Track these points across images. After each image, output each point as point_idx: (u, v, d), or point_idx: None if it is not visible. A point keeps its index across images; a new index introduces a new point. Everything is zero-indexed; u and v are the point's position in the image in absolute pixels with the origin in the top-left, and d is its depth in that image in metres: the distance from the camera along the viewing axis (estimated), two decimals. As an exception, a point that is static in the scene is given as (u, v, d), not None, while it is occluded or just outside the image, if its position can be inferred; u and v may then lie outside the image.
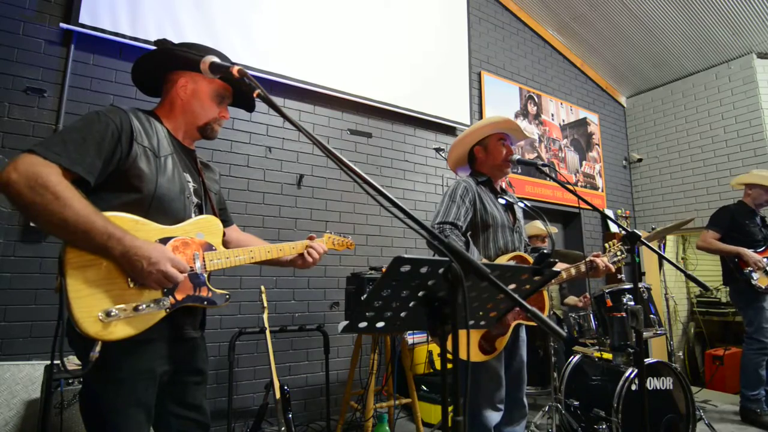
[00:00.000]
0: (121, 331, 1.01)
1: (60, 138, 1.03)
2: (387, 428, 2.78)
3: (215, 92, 1.30)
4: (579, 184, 5.47)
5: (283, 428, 2.31)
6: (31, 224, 2.44)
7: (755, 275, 3.23)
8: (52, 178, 0.96)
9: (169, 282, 1.06)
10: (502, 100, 4.88)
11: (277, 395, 2.35)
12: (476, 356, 1.72)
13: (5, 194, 0.95)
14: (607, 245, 2.03)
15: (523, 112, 5.08)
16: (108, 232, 0.98)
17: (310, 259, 1.49)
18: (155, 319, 1.07)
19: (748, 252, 3.26)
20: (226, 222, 1.41)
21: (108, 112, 1.11)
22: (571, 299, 3.72)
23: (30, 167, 0.95)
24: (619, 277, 4.38)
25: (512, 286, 1.06)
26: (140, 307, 1.04)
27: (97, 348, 0.98)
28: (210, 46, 1.30)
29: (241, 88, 1.32)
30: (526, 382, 1.96)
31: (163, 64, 1.29)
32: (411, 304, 0.91)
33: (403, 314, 0.93)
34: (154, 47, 1.27)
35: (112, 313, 0.99)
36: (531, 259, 1.87)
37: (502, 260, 1.86)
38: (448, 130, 4.36)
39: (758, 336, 3.23)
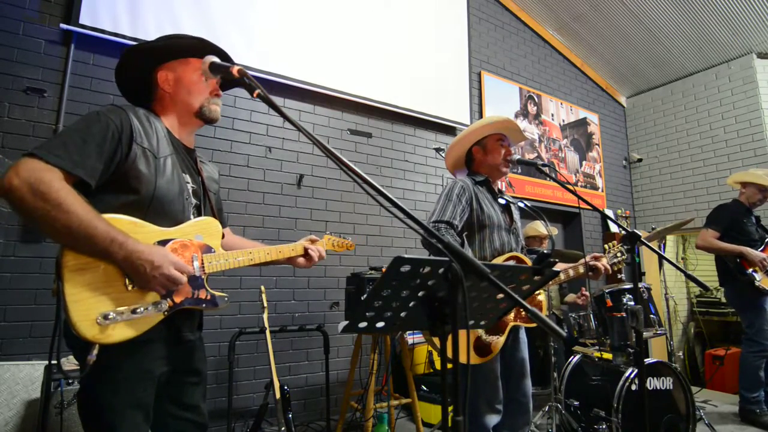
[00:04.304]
0: (118, 334, 1.00)
1: (61, 140, 1.02)
2: (387, 428, 2.78)
3: (196, 72, 1.28)
4: (579, 184, 5.47)
5: (283, 428, 2.31)
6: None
7: (758, 276, 3.15)
8: (54, 183, 0.95)
9: (173, 285, 1.06)
10: (502, 100, 4.88)
11: (277, 395, 2.35)
12: (472, 358, 1.71)
13: (7, 200, 0.94)
14: (606, 246, 2.02)
15: (523, 112, 5.08)
16: (110, 237, 0.97)
17: (314, 255, 1.49)
18: (153, 322, 1.07)
19: (752, 251, 3.17)
20: (221, 224, 1.41)
21: (108, 112, 1.10)
22: (570, 297, 3.74)
23: (32, 172, 0.94)
24: (619, 277, 4.38)
25: (512, 286, 1.06)
26: (138, 310, 1.03)
27: (95, 351, 0.98)
28: (179, 33, 1.30)
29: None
30: (530, 384, 1.91)
31: (139, 68, 1.27)
32: (411, 304, 0.91)
33: (403, 314, 0.93)
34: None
35: (110, 317, 0.99)
36: (528, 261, 1.87)
37: (499, 261, 1.86)
38: (448, 130, 4.36)
39: (758, 338, 3.18)
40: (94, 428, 1.06)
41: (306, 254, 1.50)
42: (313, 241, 1.54)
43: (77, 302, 0.96)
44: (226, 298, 1.24)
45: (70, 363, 1.92)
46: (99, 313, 0.98)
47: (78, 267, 0.98)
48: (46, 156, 0.97)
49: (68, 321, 0.95)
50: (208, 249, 1.21)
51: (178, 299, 1.12)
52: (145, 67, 1.27)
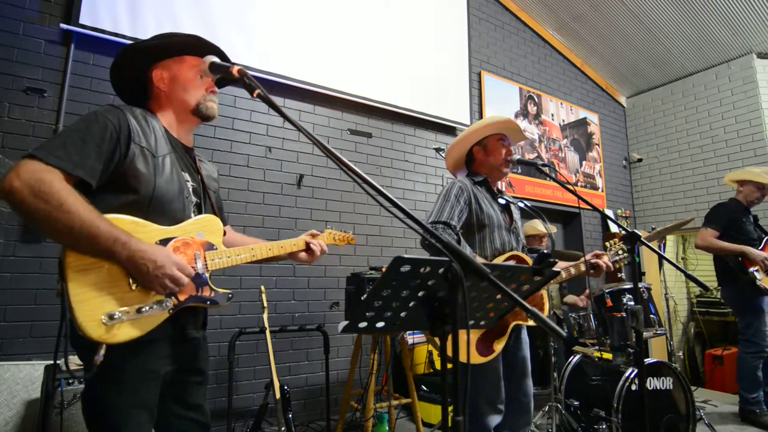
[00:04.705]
0: (124, 333, 1.00)
1: (60, 141, 1.02)
2: (387, 428, 2.78)
3: (192, 69, 1.28)
4: (579, 184, 5.47)
5: (283, 428, 2.31)
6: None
7: (759, 275, 3.12)
8: (55, 184, 0.95)
9: (175, 286, 1.06)
10: (502, 100, 4.88)
11: (277, 395, 2.35)
12: (474, 358, 1.71)
13: (8, 202, 0.94)
14: (608, 244, 2.02)
15: (523, 112, 5.08)
16: (113, 236, 0.97)
17: (316, 249, 1.49)
18: (158, 321, 1.07)
19: (754, 250, 3.14)
20: (222, 222, 1.41)
21: (106, 112, 1.10)
22: (571, 298, 3.72)
23: (32, 174, 0.94)
24: (619, 276, 4.39)
25: (512, 286, 1.06)
26: (143, 309, 1.04)
27: (102, 351, 0.98)
28: (175, 31, 1.30)
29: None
30: (531, 384, 1.91)
31: (134, 67, 1.27)
32: (411, 304, 0.91)
33: (403, 314, 0.93)
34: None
35: (115, 316, 0.99)
36: (529, 260, 1.87)
37: (499, 260, 1.85)
38: (448, 130, 4.36)
39: (756, 339, 3.16)
40: (99, 428, 1.07)
41: (308, 249, 1.50)
42: (314, 236, 1.55)
43: (82, 302, 0.96)
44: (229, 295, 1.24)
45: (71, 362, 1.92)
46: (104, 312, 0.98)
47: (82, 267, 0.98)
48: (46, 157, 0.97)
49: (74, 321, 0.95)
50: (210, 246, 1.21)
51: (182, 297, 1.12)
52: (140, 66, 1.27)
